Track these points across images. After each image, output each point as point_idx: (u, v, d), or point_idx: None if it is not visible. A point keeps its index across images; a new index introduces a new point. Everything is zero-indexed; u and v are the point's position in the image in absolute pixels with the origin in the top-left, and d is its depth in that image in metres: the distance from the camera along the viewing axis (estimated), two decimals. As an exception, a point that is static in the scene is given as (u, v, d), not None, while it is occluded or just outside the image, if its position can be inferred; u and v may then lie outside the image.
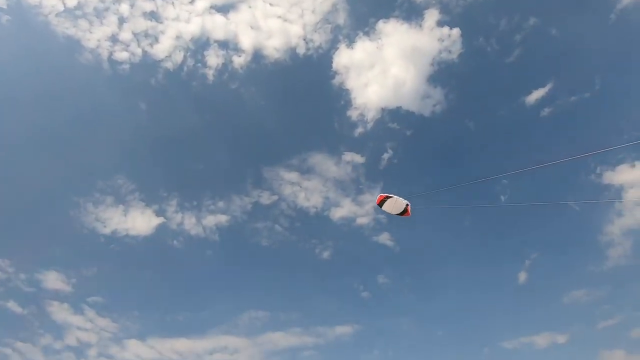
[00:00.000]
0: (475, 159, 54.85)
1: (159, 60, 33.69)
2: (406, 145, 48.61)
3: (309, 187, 48.72)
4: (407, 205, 9.10)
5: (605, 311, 42.47)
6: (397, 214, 9.37)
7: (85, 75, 33.15)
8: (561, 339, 43.31)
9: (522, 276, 50.31)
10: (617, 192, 49.32)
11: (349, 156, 48.47)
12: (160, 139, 46.16)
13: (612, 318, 41.25)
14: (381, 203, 9.34)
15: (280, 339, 45.67)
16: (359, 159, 47.65)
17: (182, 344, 44.19)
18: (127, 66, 32.83)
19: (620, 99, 45.40)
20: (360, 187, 47.41)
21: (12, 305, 33.52)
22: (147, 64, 33.73)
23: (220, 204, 47.29)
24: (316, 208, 48.99)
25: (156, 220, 47.60)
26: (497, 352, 43.23)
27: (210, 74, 38.42)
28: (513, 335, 43.28)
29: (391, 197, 9.17)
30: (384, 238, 48.04)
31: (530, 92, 42.23)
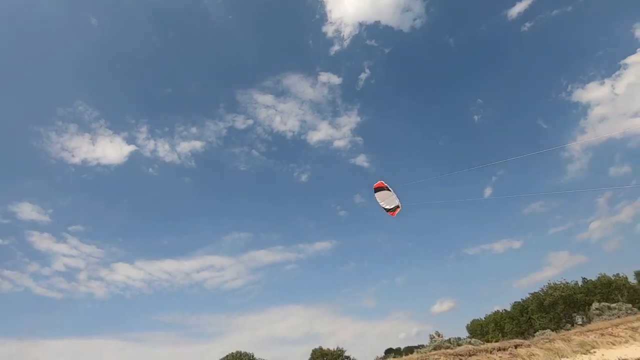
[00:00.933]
0: (454, 77, 53.76)
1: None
2: (384, 64, 46.42)
3: (284, 110, 47.30)
4: (397, 206, 9.15)
5: (557, 219, 49.57)
6: (384, 208, 9.56)
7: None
8: (516, 244, 51.07)
9: (488, 191, 55.00)
10: (584, 109, 51.15)
11: (325, 77, 46.10)
12: (119, 59, 41.52)
13: (562, 225, 48.39)
14: (378, 189, 9.30)
15: (264, 256, 50.46)
16: (335, 79, 45.63)
17: (169, 264, 48.01)
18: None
19: (601, 13, 43.64)
20: (337, 109, 46.48)
21: (-9, 237, 33.83)
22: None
23: (194, 129, 45.81)
24: (293, 132, 48.51)
25: (127, 148, 46.22)
26: (460, 258, 51.15)
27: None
28: (475, 243, 50.60)
29: (390, 190, 9.08)
30: (361, 160, 49.77)
31: (513, 4, 39.50)
